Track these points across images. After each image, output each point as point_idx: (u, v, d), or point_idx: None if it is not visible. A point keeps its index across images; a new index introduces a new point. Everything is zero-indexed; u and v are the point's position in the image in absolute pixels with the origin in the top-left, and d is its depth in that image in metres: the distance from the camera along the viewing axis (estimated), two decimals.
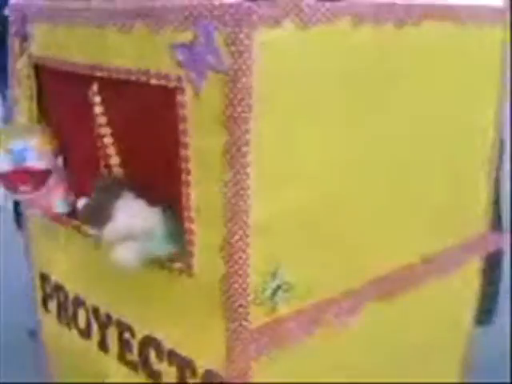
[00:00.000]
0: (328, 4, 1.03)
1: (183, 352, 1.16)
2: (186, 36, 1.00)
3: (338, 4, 1.05)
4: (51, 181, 1.37)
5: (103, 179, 1.25)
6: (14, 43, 1.40)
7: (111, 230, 1.13)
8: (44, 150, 1.36)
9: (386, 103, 1.16)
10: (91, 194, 1.22)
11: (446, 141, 1.31)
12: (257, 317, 1.05)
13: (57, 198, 1.39)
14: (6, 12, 1.71)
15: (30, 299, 1.59)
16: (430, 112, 1.25)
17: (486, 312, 1.82)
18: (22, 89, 1.41)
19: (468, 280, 1.49)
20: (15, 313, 2.21)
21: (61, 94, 1.34)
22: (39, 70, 1.37)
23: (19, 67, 1.39)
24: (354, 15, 1.06)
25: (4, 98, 2.07)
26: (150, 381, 1.25)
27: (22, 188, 1.36)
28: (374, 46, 1.11)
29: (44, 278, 1.53)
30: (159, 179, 1.15)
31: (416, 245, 1.31)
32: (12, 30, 1.41)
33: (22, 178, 1.35)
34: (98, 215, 1.15)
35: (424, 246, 1.33)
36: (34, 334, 1.69)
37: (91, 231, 1.26)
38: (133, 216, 1.14)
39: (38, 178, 1.36)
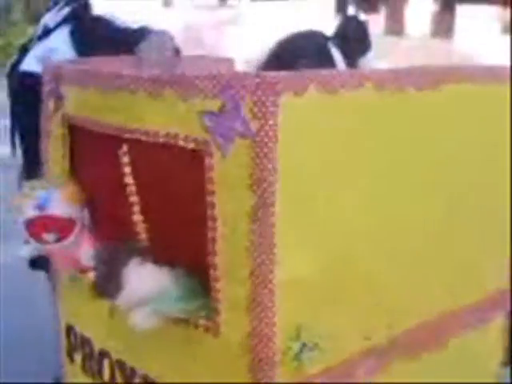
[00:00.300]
0: (350, 71, 1.09)
1: None
2: (215, 104, 1.06)
3: (360, 71, 1.11)
4: (77, 233, 1.39)
5: (106, 249, 1.28)
6: (47, 103, 1.47)
7: (123, 298, 1.17)
8: (69, 200, 1.39)
9: (409, 165, 1.21)
10: (96, 267, 1.25)
11: (469, 198, 1.34)
12: (283, 376, 1.07)
13: (85, 251, 1.40)
14: (25, 67, 1.79)
15: (56, 349, 1.61)
16: (452, 171, 1.29)
17: None
18: (54, 147, 1.46)
19: (493, 334, 1.50)
20: (42, 361, 2.22)
21: (91, 152, 1.40)
22: (71, 129, 1.43)
23: (53, 126, 1.45)
24: (375, 81, 1.12)
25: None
26: None
27: (46, 236, 1.36)
28: (396, 110, 1.17)
29: (70, 329, 1.55)
30: (184, 238, 1.19)
31: (439, 300, 1.33)
32: (46, 89, 1.47)
33: (46, 225, 1.37)
34: (109, 286, 1.18)
35: (448, 301, 1.34)
36: (59, 382, 1.71)
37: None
38: (141, 281, 1.17)
39: (62, 227, 1.37)
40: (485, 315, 1.44)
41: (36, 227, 1.37)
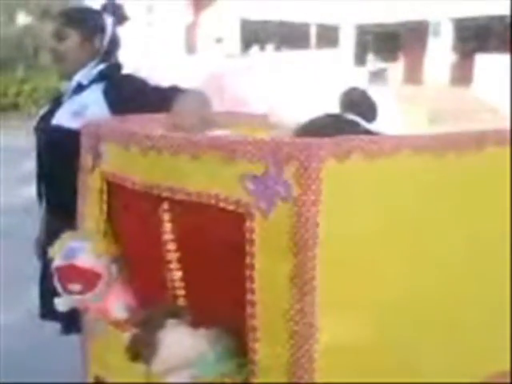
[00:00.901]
0: (390, 137, 1.11)
1: None
2: (258, 168, 1.09)
3: (400, 137, 1.14)
4: (102, 287, 1.39)
5: (142, 312, 1.29)
6: (86, 158, 1.51)
7: (159, 363, 1.16)
8: (97, 253, 1.41)
9: (450, 230, 1.21)
10: (133, 330, 1.24)
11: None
12: None
13: (114, 304, 1.43)
14: (56, 122, 1.84)
15: None
16: (492, 237, 1.28)
17: None
18: (91, 201, 1.50)
19: None
20: None
21: (129, 209, 1.42)
22: (109, 185, 1.46)
23: (90, 182, 1.48)
24: (414, 147, 1.14)
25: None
26: None
27: (70, 286, 1.39)
28: (435, 175, 1.18)
29: (98, 380, 1.55)
30: (221, 298, 1.20)
31: (480, 367, 1.31)
32: (85, 146, 1.51)
33: (70, 275, 1.39)
34: (143, 350, 1.17)
35: (488, 367, 1.32)
36: None
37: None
38: (178, 346, 1.17)
39: (87, 280, 1.39)
40: None
41: (62, 276, 1.40)
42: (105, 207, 1.46)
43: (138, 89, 1.83)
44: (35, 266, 2.13)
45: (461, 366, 1.26)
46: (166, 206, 1.29)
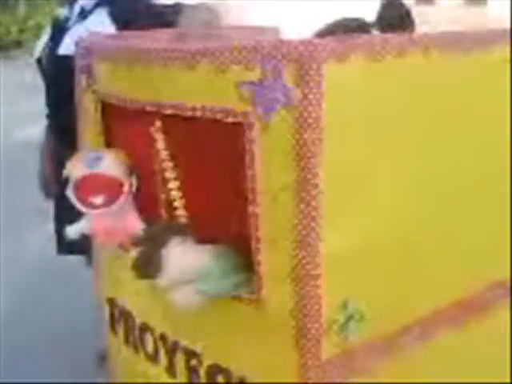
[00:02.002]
0: (396, 37, 1.04)
1: (253, 380, 1.17)
2: (254, 74, 1.03)
3: (407, 36, 1.07)
4: (125, 197, 1.30)
5: (146, 229, 1.26)
6: (80, 79, 1.46)
7: (164, 279, 1.15)
8: (119, 160, 1.33)
9: (454, 133, 1.16)
10: (138, 247, 1.21)
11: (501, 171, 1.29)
12: (329, 347, 1.06)
13: (133, 220, 1.33)
14: (63, 51, 1.77)
15: (99, 323, 1.63)
16: (496, 143, 1.24)
17: None
18: (89, 124, 1.46)
19: None
20: (86, 337, 2.25)
21: (125, 129, 1.38)
22: (104, 105, 1.42)
23: (86, 103, 1.44)
24: (423, 47, 1.07)
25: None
26: None
27: (93, 200, 1.29)
28: (444, 77, 1.12)
29: (112, 302, 1.57)
30: (224, 213, 1.18)
31: (486, 270, 1.30)
32: (78, 65, 1.46)
33: (94, 186, 1.30)
34: (148, 268, 1.16)
35: (492, 273, 1.31)
36: (103, 359, 1.74)
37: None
38: (183, 261, 1.15)
39: (111, 189, 1.30)
40: None
41: (85, 188, 1.30)
42: (101, 128, 1.42)
43: (145, 7, 1.76)
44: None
45: (462, 273, 1.25)
46: (158, 123, 1.24)
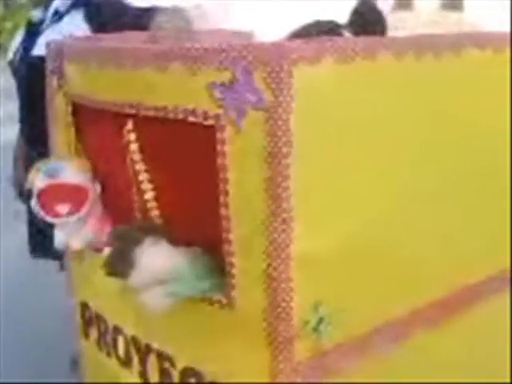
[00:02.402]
0: (366, 39, 1.05)
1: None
2: (225, 75, 1.03)
3: (377, 39, 1.08)
4: (91, 204, 1.31)
5: (120, 228, 1.25)
6: (51, 81, 1.44)
7: (135, 278, 1.14)
8: (80, 169, 1.33)
9: (427, 134, 1.17)
10: (111, 245, 1.20)
11: (491, 170, 1.31)
12: (301, 349, 1.06)
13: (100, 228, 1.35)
14: (38, 52, 1.75)
15: (72, 327, 1.61)
16: (476, 139, 1.26)
17: None
18: (60, 126, 1.44)
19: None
20: (58, 341, 2.22)
21: (96, 131, 1.37)
22: (75, 107, 1.40)
23: (57, 105, 1.42)
24: (392, 49, 1.08)
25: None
26: None
27: (59, 208, 1.30)
28: (415, 78, 1.13)
29: (84, 306, 1.55)
30: (196, 215, 1.17)
31: (460, 272, 1.31)
32: (49, 67, 1.45)
33: (58, 194, 1.30)
34: (120, 265, 1.15)
35: (467, 273, 1.33)
36: (75, 363, 1.72)
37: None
38: (155, 261, 1.15)
39: (75, 197, 1.30)
40: (505, 284, 1.42)
41: (48, 197, 1.29)
42: (72, 130, 1.41)
43: (119, 10, 1.75)
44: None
45: (440, 273, 1.26)
46: (130, 125, 1.23)
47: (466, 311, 1.33)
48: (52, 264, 2.02)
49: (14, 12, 12.99)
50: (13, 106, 2.21)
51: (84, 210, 1.31)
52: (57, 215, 1.30)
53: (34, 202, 1.31)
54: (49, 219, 1.32)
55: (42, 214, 1.31)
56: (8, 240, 3.41)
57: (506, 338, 1.45)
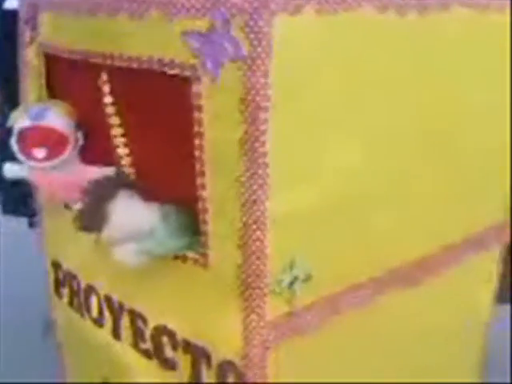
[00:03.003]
0: None
1: (198, 342, 1.16)
2: (202, 24, 0.98)
3: None
4: (70, 153, 1.26)
5: (95, 181, 1.19)
6: (23, 32, 1.38)
7: (108, 231, 1.11)
8: (65, 113, 1.27)
9: (409, 92, 1.15)
10: (84, 199, 1.16)
11: (467, 128, 1.29)
12: (274, 307, 1.05)
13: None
14: (8, 6, 1.68)
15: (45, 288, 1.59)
16: (454, 99, 1.23)
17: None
18: (32, 78, 1.39)
19: (487, 268, 1.49)
20: (32, 303, 2.19)
21: (70, 83, 1.32)
22: (49, 59, 1.35)
23: (30, 57, 1.37)
24: (376, 2, 1.04)
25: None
26: (164, 369, 1.26)
27: (36, 152, 1.25)
28: (398, 33, 1.10)
29: (56, 265, 1.53)
30: (171, 171, 1.14)
31: (435, 233, 1.30)
32: (22, 19, 1.39)
33: (37, 138, 1.25)
34: (92, 219, 1.12)
35: (443, 234, 1.32)
36: (49, 324, 1.69)
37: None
38: (129, 216, 1.12)
39: (55, 142, 1.26)
40: (479, 248, 1.43)
41: (28, 139, 1.25)
42: (43, 81, 1.36)
43: None
44: None
45: (418, 234, 1.25)
46: (104, 76, 1.19)
47: (439, 272, 1.33)
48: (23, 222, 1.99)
49: None
50: None
51: (63, 156, 1.27)
52: (34, 158, 1.26)
53: (12, 141, 1.27)
54: (26, 162, 1.28)
55: (19, 155, 1.27)
56: None
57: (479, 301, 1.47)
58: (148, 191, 1.18)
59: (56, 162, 1.26)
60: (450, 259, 1.34)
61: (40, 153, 1.25)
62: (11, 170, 1.34)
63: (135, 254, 1.12)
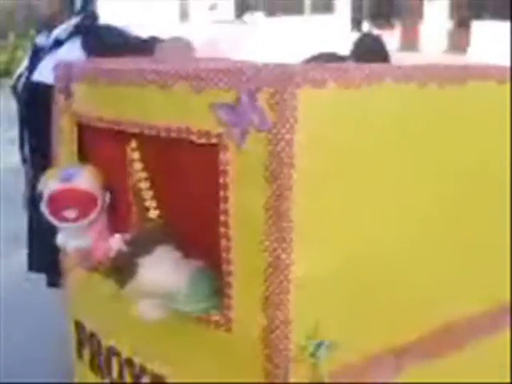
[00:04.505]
0: (371, 65, 1.07)
1: None
2: (230, 96, 1.04)
3: (381, 65, 1.09)
4: (98, 213, 1.30)
5: (135, 233, 1.23)
6: (58, 100, 1.46)
7: (134, 285, 1.12)
8: (94, 175, 1.33)
9: (428, 160, 1.18)
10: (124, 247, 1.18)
11: (490, 200, 1.31)
12: (297, 374, 1.04)
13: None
14: (37, 78, 1.79)
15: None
16: (475, 169, 1.25)
17: None
18: (64, 144, 1.45)
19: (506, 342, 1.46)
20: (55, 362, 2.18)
21: (100, 150, 1.38)
22: (81, 127, 1.42)
23: (63, 124, 1.44)
24: (395, 77, 1.09)
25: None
26: None
27: (67, 213, 1.29)
28: (418, 106, 1.14)
29: (78, 325, 1.53)
30: (199, 235, 1.17)
31: (459, 304, 1.29)
32: (57, 87, 1.47)
33: (68, 198, 1.30)
34: (123, 268, 1.13)
35: (467, 304, 1.31)
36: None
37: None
38: (157, 274, 1.13)
39: (84, 203, 1.30)
40: (499, 322, 1.40)
41: (58, 201, 1.30)
42: (75, 148, 1.42)
43: (116, 38, 1.78)
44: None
45: (440, 305, 1.24)
46: (134, 144, 1.25)
47: (463, 346, 1.30)
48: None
49: (24, 42, 13.33)
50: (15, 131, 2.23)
51: (91, 217, 1.31)
52: (63, 219, 1.31)
53: (43, 205, 1.31)
54: (55, 223, 1.32)
55: (49, 216, 1.32)
56: (7, 262, 3.39)
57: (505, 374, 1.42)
58: (184, 250, 1.19)
59: (84, 221, 1.30)
60: (473, 331, 1.31)
61: (71, 213, 1.29)
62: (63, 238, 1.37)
63: (157, 311, 1.12)
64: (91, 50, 1.74)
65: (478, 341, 1.33)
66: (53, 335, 1.80)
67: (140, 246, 1.15)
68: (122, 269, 1.13)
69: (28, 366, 2.40)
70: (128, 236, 1.19)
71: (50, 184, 1.32)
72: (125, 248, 1.15)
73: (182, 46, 1.57)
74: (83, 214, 1.30)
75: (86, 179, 1.31)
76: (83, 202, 1.30)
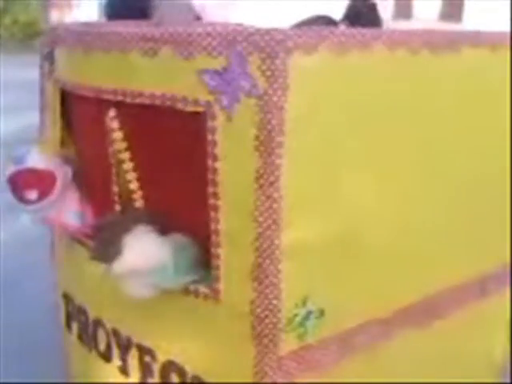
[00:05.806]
0: (363, 30, 1.03)
1: (208, 378, 1.14)
2: (219, 62, 1.00)
3: (373, 31, 1.06)
4: (59, 189, 1.30)
5: (112, 214, 1.22)
6: (43, 66, 1.41)
7: (119, 265, 1.12)
8: (47, 152, 1.32)
9: (420, 129, 1.16)
10: (100, 230, 1.19)
11: (485, 169, 1.29)
12: (286, 343, 1.03)
13: (68, 210, 1.34)
14: None
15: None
16: (469, 136, 1.24)
17: None
18: (49, 112, 1.41)
19: (501, 310, 1.46)
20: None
21: (81, 118, 1.34)
22: (64, 93, 1.37)
23: (47, 90, 1.39)
24: (388, 42, 1.06)
25: None
26: None
27: (28, 194, 1.28)
28: (409, 72, 1.11)
29: (67, 298, 1.52)
30: (183, 206, 1.15)
31: (446, 273, 1.29)
32: (42, 52, 1.42)
33: (27, 180, 1.29)
34: (107, 251, 1.13)
35: (454, 273, 1.31)
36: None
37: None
38: (142, 251, 1.13)
39: (43, 182, 1.29)
40: (491, 289, 1.40)
41: (17, 183, 1.29)
42: (58, 115, 1.37)
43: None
44: None
45: (427, 275, 1.24)
46: (112, 112, 1.20)
47: (452, 312, 1.31)
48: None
49: (12, 7, 13.04)
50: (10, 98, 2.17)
51: (52, 197, 1.30)
52: (27, 201, 1.30)
53: (11, 192, 1.31)
54: (24, 206, 1.31)
55: (18, 202, 1.31)
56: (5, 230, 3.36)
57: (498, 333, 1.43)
58: (164, 225, 1.18)
59: (47, 202, 1.29)
60: (459, 299, 1.32)
61: (32, 194, 1.28)
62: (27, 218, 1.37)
63: (144, 287, 1.11)
64: (108, 15, 1.72)
65: (467, 308, 1.34)
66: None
67: (118, 226, 1.14)
68: (105, 249, 1.12)
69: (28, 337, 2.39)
70: (104, 219, 1.18)
71: (7, 171, 1.30)
72: (104, 230, 1.15)
73: (182, 8, 1.53)
74: (44, 193, 1.29)
75: (37, 158, 1.30)
76: (41, 182, 1.29)
